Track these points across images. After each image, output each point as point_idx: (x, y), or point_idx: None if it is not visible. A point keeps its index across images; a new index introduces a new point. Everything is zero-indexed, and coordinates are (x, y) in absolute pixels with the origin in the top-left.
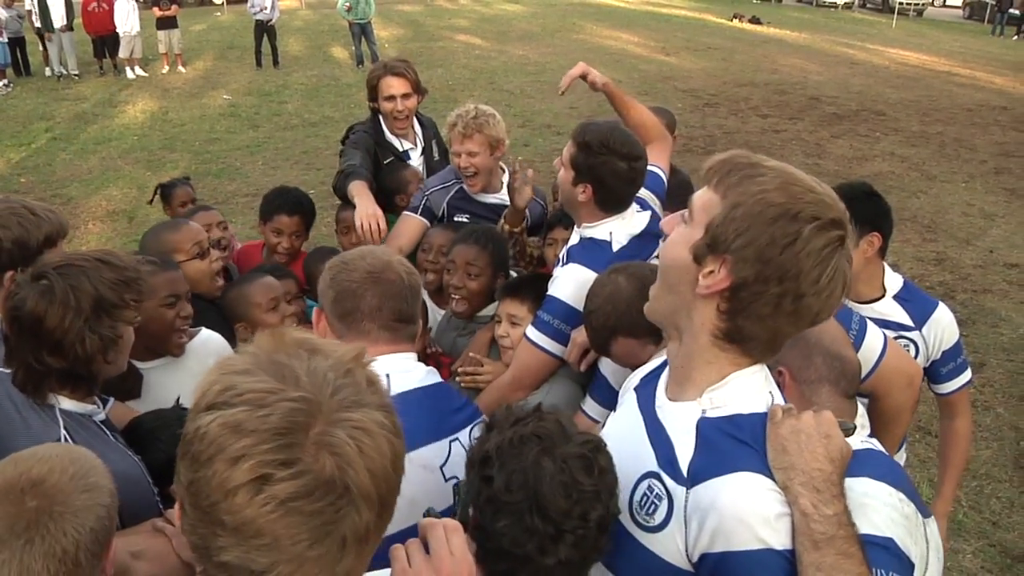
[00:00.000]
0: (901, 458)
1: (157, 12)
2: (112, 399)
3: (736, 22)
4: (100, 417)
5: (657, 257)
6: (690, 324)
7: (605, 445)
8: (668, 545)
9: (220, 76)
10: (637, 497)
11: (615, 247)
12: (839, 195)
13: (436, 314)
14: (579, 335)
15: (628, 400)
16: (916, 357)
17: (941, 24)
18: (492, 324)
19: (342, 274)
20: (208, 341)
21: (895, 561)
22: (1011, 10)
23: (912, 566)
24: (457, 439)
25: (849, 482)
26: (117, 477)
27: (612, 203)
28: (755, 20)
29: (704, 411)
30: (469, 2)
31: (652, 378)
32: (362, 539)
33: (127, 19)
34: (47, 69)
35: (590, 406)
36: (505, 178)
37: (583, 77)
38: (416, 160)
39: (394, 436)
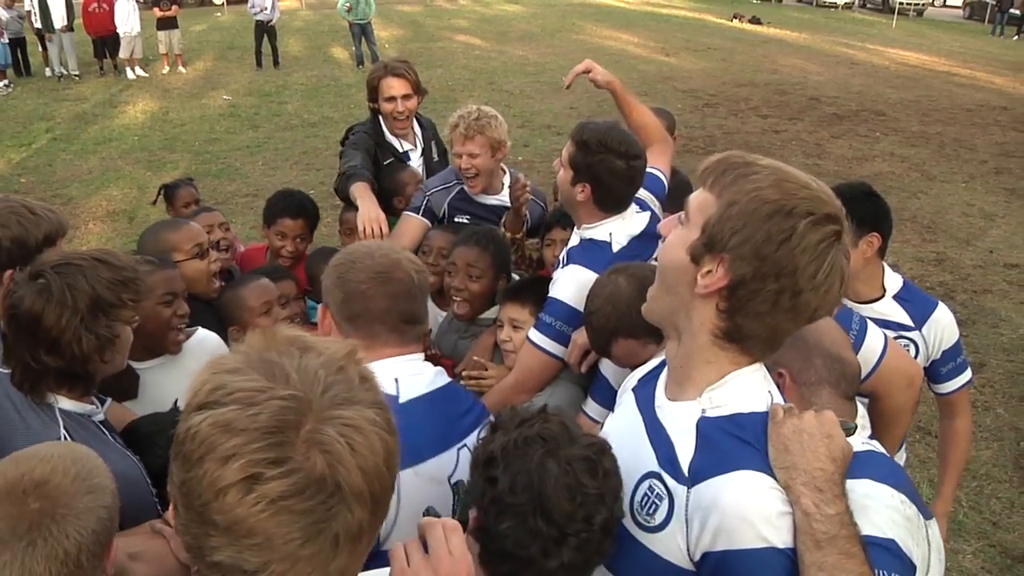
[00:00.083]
0: (901, 458)
1: (157, 12)
2: (109, 399)
3: (736, 22)
4: (99, 417)
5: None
6: (689, 324)
7: (610, 447)
8: (669, 545)
9: (220, 76)
10: (638, 497)
11: (615, 248)
12: (838, 195)
13: (437, 316)
14: (579, 336)
15: (626, 400)
16: (916, 357)
17: (941, 24)
18: (495, 328)
19: (349, 274)
20: (205, 341)
21: (897, 562)
22: (1011, 10)
23: (914, 568)
24: (465, 446)
25: (850, 484)
26: (117, 477)
27: (611, 203)
28: (755, 20)
29: (704, 410)
30: (469, 2)
31: (650, 378)
32: (355, 537)
33: (127, 19)
34: (47, 69)
35: (592, 408)
36: (506, 179)
37: (587, 73)
38: (416, 161)
39: (387, 433)
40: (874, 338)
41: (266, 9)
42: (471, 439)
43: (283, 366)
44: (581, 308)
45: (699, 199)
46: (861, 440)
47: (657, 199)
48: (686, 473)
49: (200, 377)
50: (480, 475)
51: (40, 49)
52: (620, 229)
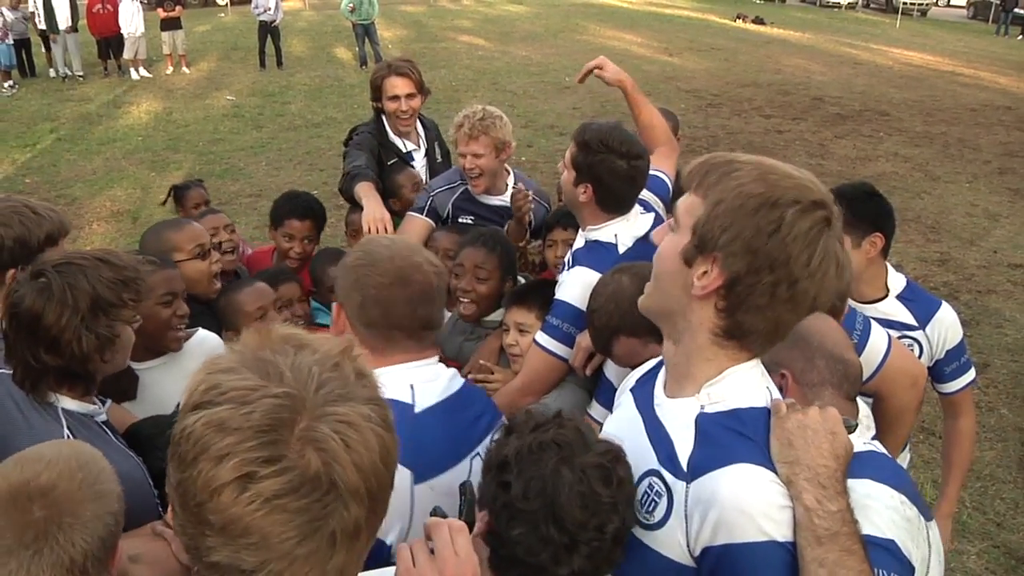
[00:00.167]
0: (905, 459)
1: (161, 13)
2: (109, 401)
3: (739, 22)
4: (101, 417)
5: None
6: (688, 325)
7: (624, 455)
8: (670, 542)
9: (224, 77)
10: (638, 496)
11: (621, 250)
12: (840, 196)
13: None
14: (583, 340)
15: (625, 401)
16: (920, 356)
17: (945, 24)
18: (500, 331)
19: (368, 278)
20: (204, 341)
21: (896, 563)
22: (1015, 10)
23: (912, 569)
24: (478, 454)
25: (851, 483)
26: (120, 478)
27: (613, 203)
28: (758, 20)
29: (703, 406)
30: (472, 3)
31: (649, 378)
32: (353, 535)
33: (131, 20)
34: (51, 70)
35: (596, 410)
36: (510, 180)
37: (599, 69)
38: (420, 161)
39: (383, 429)
40: (878, 338)
41: (270, 10)
42: (483, 446)
43: (277, 364)
44: None
45: (686, 203)
46: (863, 441)
47: (662, 201)
48: (685, 469)
49: (195, 377)
50: (493, 479)
51: (43, 50)
52: (625, 230)
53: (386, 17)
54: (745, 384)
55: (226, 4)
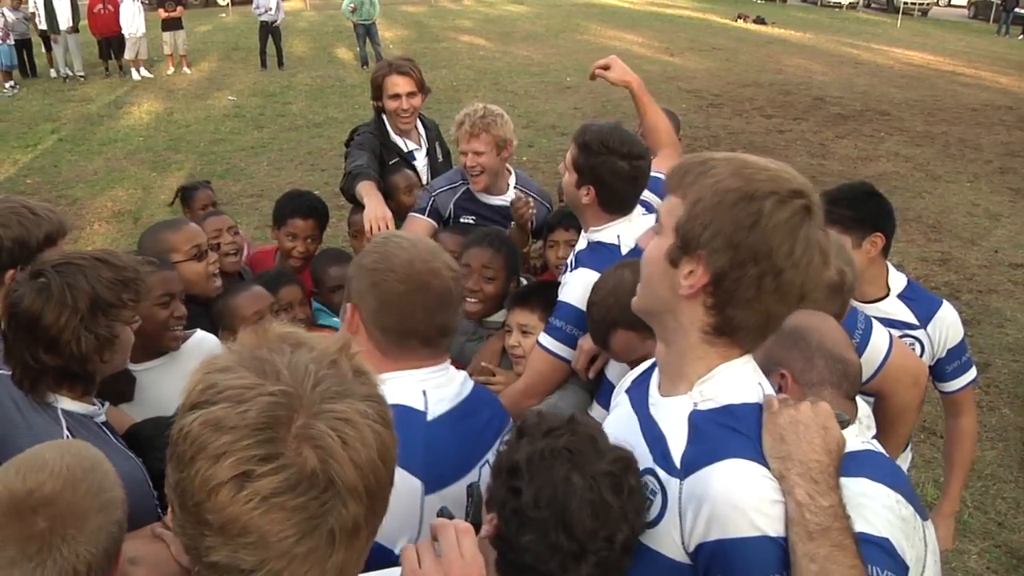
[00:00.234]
0: (906, 458)
1: (162, 13)
2: (107, 402)
3: (740, 22)
4: (101, 418)
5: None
6: (679, 325)
7: (636, 463)
8: (665, 539)
9: (225, 77)
10: None
11: (624, 250)
12: (840, 196)
13: None
14: (586, 342)
15: (622, 402)
16: (921, 355)
17: (946, 24)
18: (502, 333)
19: (387, 283)
20: (203, 343)
21: (890, 561)
22: (1016, 9)
23: (906, 568)
24: (487, 462)
25: (846, 482)
26: (121, 479)
27: (615, 204)
28: (759, 20)
29: (696, 404)
30: (473, 3)
31: (644, 379)
32: (352, 533)
33: (132, 20)
34: (52, 71)
35: (598, 412)
36: (512, 179)
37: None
38: (421, 161)
39: (381, 426)
40: (879, 337)
41: (271, 10)
42: (492, 452)
43: (274, 362)
44: None
45: (667, 206)
46: (861, 440)
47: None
48: (678, 466)
49: (193, 377)
50: (503, 483)
51: (44, 51)
52: (627, 231)
53: (387, 17)
54: (737, 380)
55: (227, 4)
